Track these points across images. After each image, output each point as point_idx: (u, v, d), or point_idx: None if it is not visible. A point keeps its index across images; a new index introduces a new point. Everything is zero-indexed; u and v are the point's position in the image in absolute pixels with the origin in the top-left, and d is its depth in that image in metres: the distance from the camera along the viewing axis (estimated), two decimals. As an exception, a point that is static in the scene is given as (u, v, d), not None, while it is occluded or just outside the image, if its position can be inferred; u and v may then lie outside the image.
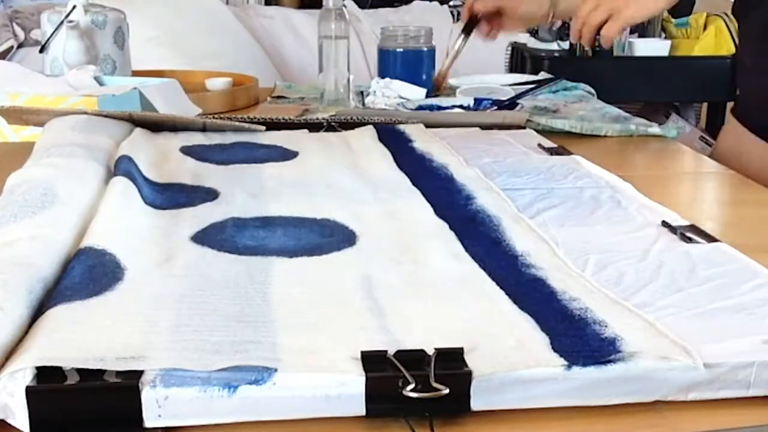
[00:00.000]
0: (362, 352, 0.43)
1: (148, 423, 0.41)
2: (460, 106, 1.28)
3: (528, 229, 0.65)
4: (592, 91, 1.44)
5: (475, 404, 0.43)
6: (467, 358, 0.44)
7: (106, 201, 0.64)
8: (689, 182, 0.98)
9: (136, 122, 0.92)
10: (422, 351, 0.44)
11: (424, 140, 0.95)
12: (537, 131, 1.07)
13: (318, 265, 0.57)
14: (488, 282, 0.55)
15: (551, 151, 0.93)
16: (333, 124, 1.04)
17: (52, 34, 1.37)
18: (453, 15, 3.07)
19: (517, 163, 0.88)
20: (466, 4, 1.29)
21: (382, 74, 1.44)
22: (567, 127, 1.12)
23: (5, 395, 0.40)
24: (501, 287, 0.54)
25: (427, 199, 0.72)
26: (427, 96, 1.38)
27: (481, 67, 1.69)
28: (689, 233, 0.65)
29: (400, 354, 0.44)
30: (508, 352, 0.45)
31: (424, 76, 1.42)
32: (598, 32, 1.07)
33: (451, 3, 3.23)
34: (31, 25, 2.23)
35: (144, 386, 0.41)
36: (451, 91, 1.42)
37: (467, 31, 1.30)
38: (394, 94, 1.33)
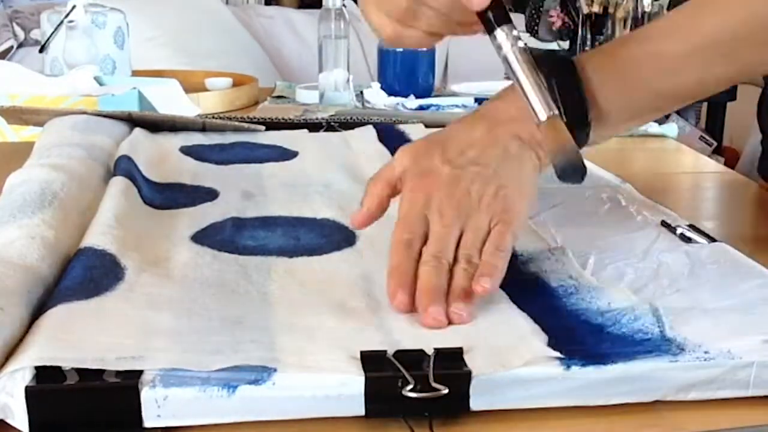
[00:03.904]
0: (362, 352, 0.43)
1: (148, 423, 0.41)
2: (460, 106, 1.28)
3: (528, 228, 0.65)
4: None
5: (475, 404, 0.43)
6: (466, 358, 0.44)
7: (106, 201, 0.64)
8: (689, 182, 0.98)
9: (135, 122, 0.92)
10: (421, 351, 0.44)
11: (424, 140, 0.95)
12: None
13: (317, 265, 0.57)
14: (488, 282, 0.55)
15: (551, 151, 0.93)
16: (333, 124, 1.04)
17: (52, 34, 1.37)
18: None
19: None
20: None
21: (382, 74, 1.44)
22: (567, 127, 1.11)
23: (5, 395, 0.40)
24: (500, 287, 0.54)
25: (427, 199, 0.72)
26: (428, 97, 1.38)
27: (481, 68, 1.68)
28: (689, 233, 0.65)
29: (400, 354, 0.44)
30: (507, 351, 0.45)
31: (423, 77, 1.42)
32: None
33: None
34: (31, 25, 2.23)
35: (143, 386, 0.41)
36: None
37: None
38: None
